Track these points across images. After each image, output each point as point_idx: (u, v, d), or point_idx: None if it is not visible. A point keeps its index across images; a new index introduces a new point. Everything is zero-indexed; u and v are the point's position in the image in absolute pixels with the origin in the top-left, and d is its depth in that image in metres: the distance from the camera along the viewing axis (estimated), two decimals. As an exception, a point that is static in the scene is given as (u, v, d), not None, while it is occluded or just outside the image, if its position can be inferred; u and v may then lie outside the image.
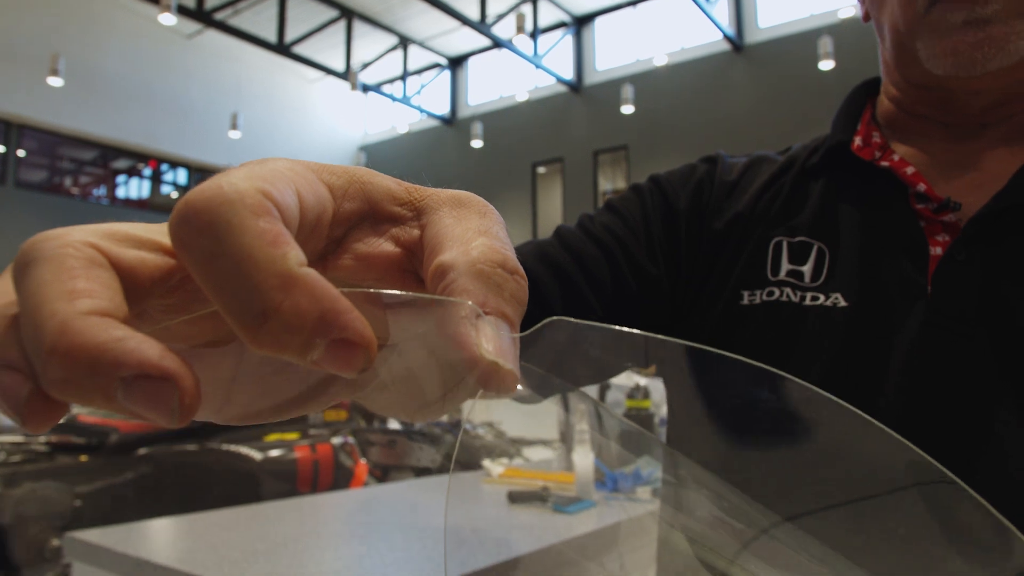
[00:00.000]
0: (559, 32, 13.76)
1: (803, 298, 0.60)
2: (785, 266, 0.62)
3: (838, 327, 0.58)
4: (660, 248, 0.68)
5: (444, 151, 15.69)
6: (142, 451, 3.56)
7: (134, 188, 14.43)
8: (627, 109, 11.82)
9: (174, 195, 14.66)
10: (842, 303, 0.59)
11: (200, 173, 14.58)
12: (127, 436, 3.55)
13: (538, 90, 14.27)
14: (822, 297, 0.60)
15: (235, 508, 1.87)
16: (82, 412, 3.77)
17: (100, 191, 13.86)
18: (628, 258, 0.67)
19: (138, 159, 13.90)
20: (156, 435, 3.59)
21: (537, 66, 12.73)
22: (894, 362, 0.56)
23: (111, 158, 13.64)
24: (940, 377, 0.55)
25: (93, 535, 1.65)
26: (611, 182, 13.99)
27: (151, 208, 14.13)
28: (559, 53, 13.68)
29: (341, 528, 1.73)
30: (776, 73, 11.74)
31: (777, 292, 0.62)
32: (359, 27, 13.33)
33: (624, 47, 13.46)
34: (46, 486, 3.08)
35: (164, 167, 14.41)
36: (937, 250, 0.57)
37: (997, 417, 0.52)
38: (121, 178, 14.15)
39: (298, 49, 12.17)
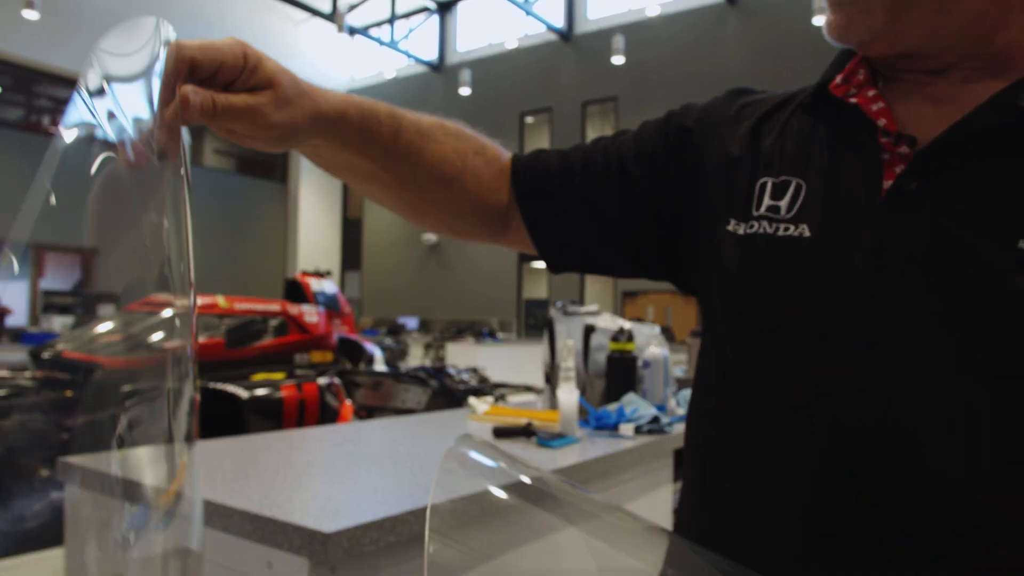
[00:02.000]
0: (551, -22, 13.51)
1: (777, 230, 0.66)
2: (766, 202, 0.68)
3: (803, 257, 0.63)
4: (658, 165, 0.78)
5: (431, 98, 15.47)
6: (127, 387, 3.58)
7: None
8: (618, 60, 11.69)
9: (155, 136, 14.41)
10: (807, 234, 0.64)
11: (182, 114, 14.32)
12: (111, 372, 3.56)
13: (528, 38, 14.05)
14: (792, 228, 0.65)
15: (227, 438, 1.90)
16: (67, 348, 3.77)
17: (79, 130, 13.60)
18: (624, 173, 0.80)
19: (118, 98, 13.61)
20: (141, 372, 3.60)
21: (527, 13, 12.52)
22: (846, 292, 0.60)
23: (90, 96, 13.35)
24: (882, 307, 0.58)
25: (85, 459, 1.67)
26: (600, 133, 13.82)
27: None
28: (550, 0, 13.44)
29: (331, 457, 1.77)
30: (769, 26, 11.62)
31: (756, 225, 0.67)
32: (346, -33, 13.01)
33: (616, -5, 13.25)
34: (34, 419, 3.10)
35: (145, 107, 14.13)
36: (889, 182, 0.61)
37: (931, 349, 0.56)
38: (101, 117, 13.89)
39: (283, -12, 11.88)
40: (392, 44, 14.20)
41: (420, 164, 0.79)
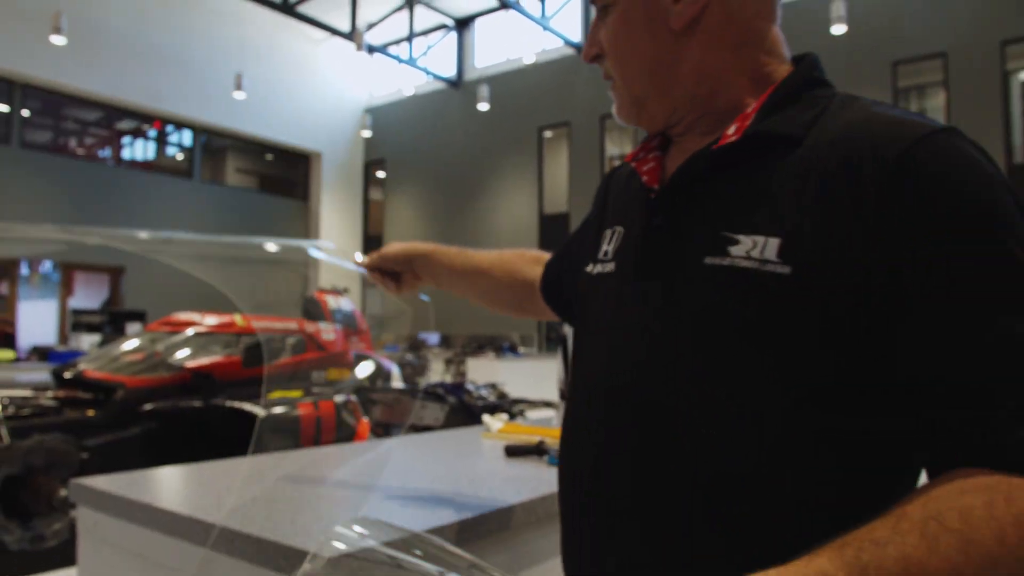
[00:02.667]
0: (567, -7, 13.54)
1: (604, 268, 0.85)
2: (603, 247, 0.87)
3: (606, 287, 0.83)
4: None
5: (450, 114, 15.56)
6: (148, 406, 3.60)
7: (139, 149, 14.39)
8: (635, 72, 11.66)
9: (179, 157, 14.62)
10: (612, 269, 0.83)
11: (206, 134, 14.52)
12: (133, 391, 3.60)
13: (545, 53, 14.09)
14: (609, 266, 0.84)
15: (239, 458, 1.90)
16: (89, 367, 3.81)
17: (105, 152, 13.82)
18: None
19: (142, 120, 13.83)
20: (162, 390, 3.64)
21: (544, 28, 12.56)
22: (616, 311, 0.79)
23: (116, 119, 13.58)
24: (635, 315, 0.76)
25: (98, 481, 1.67)
26: (618, 146, 13.87)
27: (156, 170, 14.10)
28: (568, 15, 13.48)
29: (344, 476, 1.76)
30: (788, 36, 11.41)
31: (593, 266, 0.87)
32: (365, -14, 13.15)
33: (633, 9, 13.25)
34: (54, 438, 3.13)
35: (169, 128, 14.34)
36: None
37: (659, 344, 0.73)
38: (126, 139, 14.11)
39: (303, 8, 12.03)
40: (411, 61, 14.32)
41: (487, 288, 1.40)
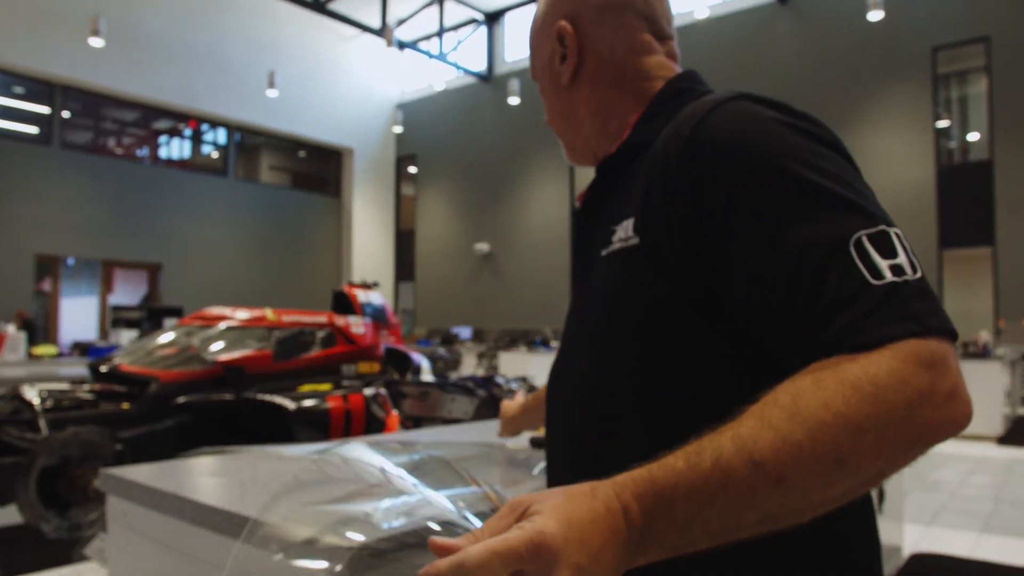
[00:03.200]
0: (597, -15, 13.43)
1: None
2: None
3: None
4: None
5: (481, 109, 15.56)
6: (181, 399, 3.65)
7: (175, 148, 14.64)
8: (666, 63, 11.54)
9: (214, 155, 14.84)
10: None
11: (240, 132, 14.71)
12: (167, 385, 3.65)
13: (576, 45, 14.00)
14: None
15: (264, 447, 1.91)
16: (124, 362, 3.88)
17: (143, 151, 14.09)
18: None
19: (178, 119, 14.06)
20: (194, 384, 3.69)
21: (574, 20, 12.48)
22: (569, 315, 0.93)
23: (152, 118, 13.83)
24: (568, 322, 0.92)
25: (127, 471, 1.70)
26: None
27: (192, 168, 14.33)
28: (597, 6, 13.39)
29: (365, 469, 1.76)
30: (822, 25, 11.34)
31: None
32: (394, -17, 13.20)
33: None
34: (89, 430, 3.19)
35: (204, 127, 14.56)
36: None
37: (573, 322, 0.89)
38: (163, 138, 14.37)
39: (334, 6, 12.12)
40: (441, 56, 14.34)
41: None
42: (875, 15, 9.73)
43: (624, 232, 0.78)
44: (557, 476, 0.88)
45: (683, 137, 0.73)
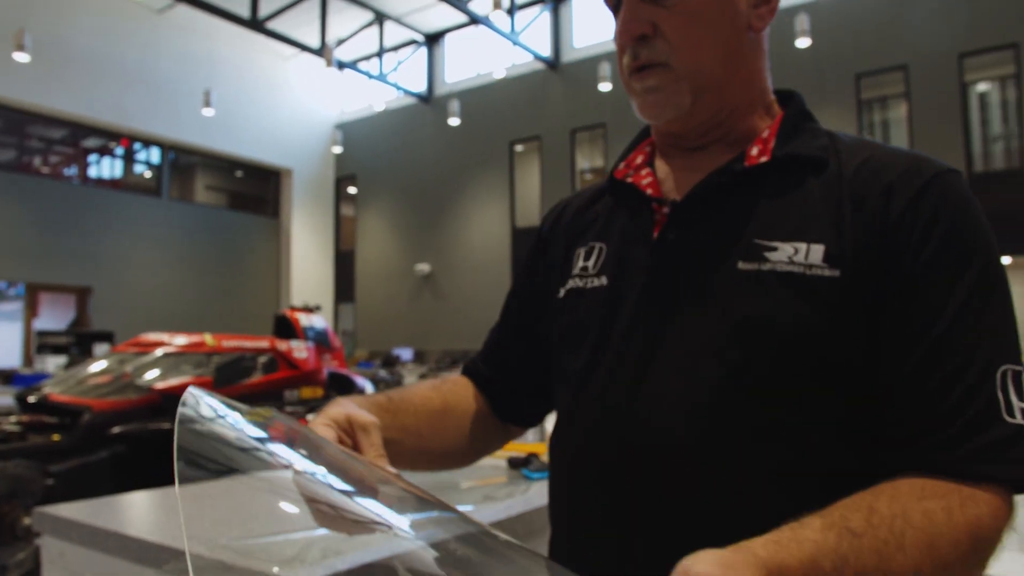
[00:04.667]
0: (536, 8, 13.65)
1: (586, 283, 0.85)
2: (579, 264, 0.87)
3: (601, 302, 0.82)
4: (529, 278, 1.01)
5: (421, 129, 15.57)
6: (116, 429, 3.53)
7: (106, 167, 14.19)
8: (605, 87, 11.79)
9: (147, 175, 14.44)
10: (605, 282, 0.83)
11: (174, 151, 14.36)
12: (100, 415, 3.53)
13: (515, 67, 14.17)
14: (595, 280, 0.84)
15: (208, 482, 1.86)
16: (54, 391, 3.73)
17: (71, 171, 13.62)
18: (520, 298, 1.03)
19: (110, 138, 13.65)
20: (130, 413, 3.57)
21: (514, 43, 12.65)
22: (621, 324, 0.78)
23: (81, 136, 13.39)
24: (645, 336, 0.76)
25: (63, 509, 1.64)
26: (589, 160, 13.97)
27: (125, 188, 13.90)
28: (536, 30, 13.59)
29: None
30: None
31: (571, 283, 0.87)
32: (334, 3, 13.14)
33: (602, 24, 13.39)
34: (17, 464, 3.05)
35: (137, 146, 14.17)
36: (655, 234, 0.80)
37: (664, 361, 0.74)
38: (92, 157, 13.91)
39: (272, 25, 11.98)
40: (381, 77, 14.31)
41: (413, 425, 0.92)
42: (802, 42, 10.15)
43: (800, 255, 0.71)
44: (605, 533, 0.74)
45: (910, 192, 0.70)
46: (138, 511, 1.69)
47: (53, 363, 9.05)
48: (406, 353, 14.25)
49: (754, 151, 0.79)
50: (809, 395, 0.68)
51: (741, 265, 0.73)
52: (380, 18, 14.04)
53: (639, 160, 0.90)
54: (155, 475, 3.34)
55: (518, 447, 2.13)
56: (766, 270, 0.71)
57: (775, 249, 0.72)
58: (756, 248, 0.73)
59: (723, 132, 0.82)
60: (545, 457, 1.92)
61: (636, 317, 0.77)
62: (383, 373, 11.06)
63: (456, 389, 0.98)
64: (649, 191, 0.84)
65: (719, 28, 0.79)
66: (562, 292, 0.88)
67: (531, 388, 0.97)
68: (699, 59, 0.79)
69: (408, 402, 0.90)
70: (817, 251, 0.70)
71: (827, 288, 0.69)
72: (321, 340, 4.92)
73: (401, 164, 15.78)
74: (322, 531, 1.54)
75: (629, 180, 0.87)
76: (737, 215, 0.77)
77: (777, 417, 0.69)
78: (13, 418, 3.49)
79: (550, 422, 0.97)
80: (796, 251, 0.71)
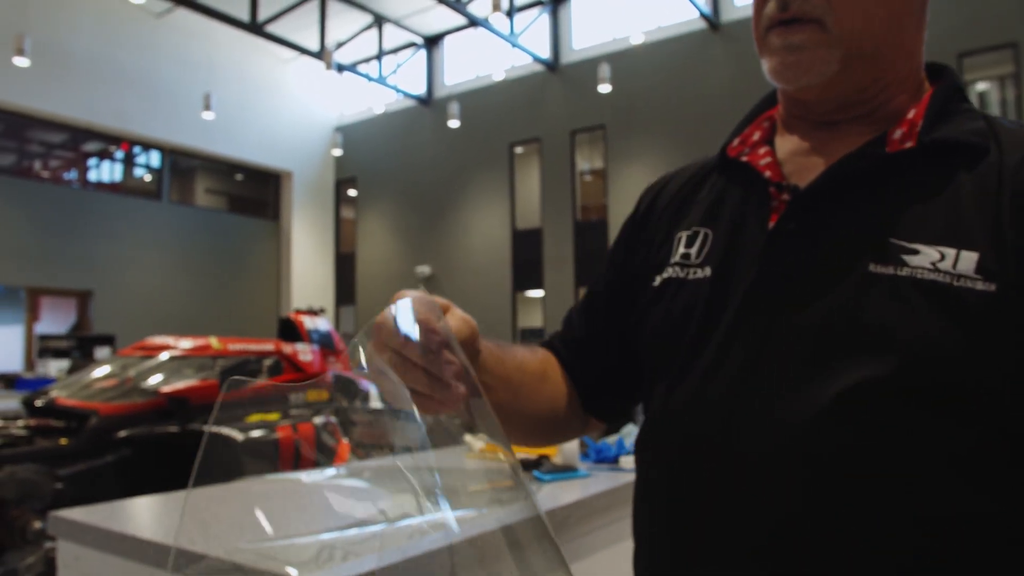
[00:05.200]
0: (535, 10, 13.67)
1: (687, 273, 0.75)
2: (680, 251, 0.78)
3: (703, 296, 0.73)
4: (624, 271, 0.89)
5: (421, 131, 15.58)
6: (122, 433, 3.54)
7: (106, 171, 14.19)
8: (604, 88, 11.81)
9: (147, 178, 14.44)
10: (709, 274, 0.73)
11: (174, 155, 14.37)
12: (107, 419, 3.53)
13: (515, 69, 14.19)
14: (699, 271, 0.74)
15: (223, 485, 1.87)
16: (61, 395, 3.74)
17: (71, 175, 13.61)
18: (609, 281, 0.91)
19: (109, 141, 13.65)
20: (136, 417, 3.57)
21: (514, 45, 12.66)
22: (724, 321, 0.69)
23: (82, 140, 13.39)
24: (752, 336, 0.67)
25: (78, 513, 1.65)
26: (588, 162, 13.98)
27: (124, 191, 13.91)
28: (536, 32, 13.60)
29: (325, 503, 1.75)
30: (752, 51, 11.42)
31: (671, 271, 0.77)
32: (333, 6, 13.15)
33: (601, 26, 13.41)
34: (26, 469, 3.06)
35: (136, 149, 14.17)
36: (772, 224, 0.70)
37: (778, 367, 0.65)
38: (92, 161, 13.91)
39: (271, 28, 11.98)
40: (380, 80, 14.32)
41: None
42: (801, 43, 10.15)
43: (947, 263, 0.60)
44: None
45: None
46: (153, 514, 1.69)
47: (55, 367, 9.05)
48: (407, 355, 14.23)
49: (897, 134, 0.69)
50: (935, 425, 0.59)
51: (873, 268, 0.63)
52: (379, 21, 14.06)
53: (756, 136, 0.79)
54: (162, 477, 3.35)
55: (527, 449, 2.13)
56: (903, 275, 0.61)
57: (916, 252, 0.62)
58: (892, 249, 0.63)
59: (865, 109, 0.72)
60: (556, 459, 1.93)
61: (741, 317, 0.68)
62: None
63: (550, 359, 0.89)
64: (767, 173, 0.74)
65: None
66: (658, 280, 0.79)
67: (622, 385, 0.88)
68: (860, 21, 0.68)
69: (512, 353, 0.82)
70: (969, 259, 0.60)
71: (978, 304, 0.58)
72: (326, 343, 4.93)
73: (401, 166, 15.79)
74: (338, 534, 1.54)
75: (744, 159, 0.77)
76: (872, 209, 0.66)
77: (893, 448, 0.59)
78: (20, 422, 3.50)
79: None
80: (942, 257, 0.61)
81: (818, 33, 0.68)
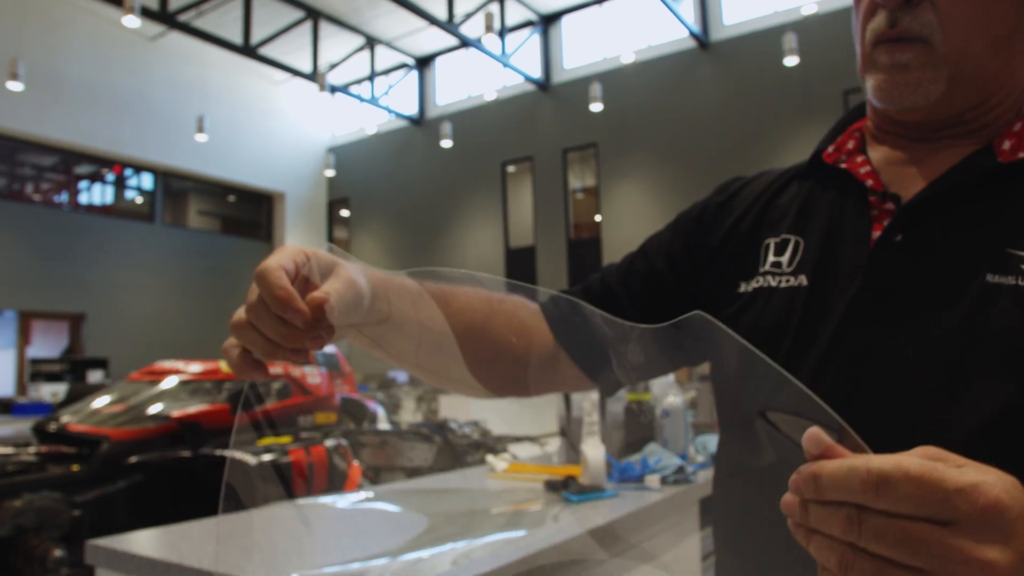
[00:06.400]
0: (526, 31, 13.81)
1: (779, 282, 0.74)
2: (770, 259, 0.76)
3: (799, 304, 0.71)
4: (676, 261, 0.86)
5: (413, 151, 15.64)
6: (133, 459, 3.53)
7: (97, 194, 14.16)
8: (596, 107, 11.93)
9: (139, 200, 14.41)
10: (804, 283, 0.72)
11: (166, 177, 14.36)
12: (118, 444, 3.53)
13: (506, 89, 14.31)
14: (792, 279, 0.73)
15: (254, 510, 1.88)
16: (71, 420, 3.73)
17: (63, 197, 13.57)
18: (654, 274, 0.87)
19: (102, 164, 13.63)
20: (148, 442, 3.57)
21: (505, 65, 12.77)
22: (824, 333, 0.67)
23: (73, 163, 13.37)
24: (857, 349, 0.65)
25: (119, 541, 1.66)
26: (580, 180, 14.08)
27: (116, 214, 13.87)
28: (527, 52, 13.74)
29: (342, 529, 1.76)
30: (741, 69, 11.93)
31: (761, 280, 0.75)
32: (325, 28, 13.24)
33: (591, 45, 13.56)
34: (44, 497, 3.05)
35: (128, 172, 14.15)
36: (877, 233, 0.69)
37: (890, 385, 0.62)
38: (84, 184, 13.88)
39: (264, 50, 12.05)
40: (373, 100, 14.39)
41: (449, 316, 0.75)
42: (791, 60, 10.32)
43: None
44: None
45: None
46: (199, 541, 1.70)
47: (48, 391, 8.98)
48: (401, 376, 14.21)
49: (1006, 145, 0.68)
50: None
51: (991, 278, 0.61)
52: (371, 42, 14.15)
53: (850, 145, 0.78)
54: (176, 502, 3.34)
55: (552, 469, 2.16)
56: None
57: None
58: (1010, 259, 0.61)
59: (967, 129, 0.71)
60: (583, 479, 1.95)
61: (844, 329, 0.66)
62: (380, 396, 11.02)
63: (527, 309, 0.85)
64: (869, 182, 0.72)
65: (1000, 6, 0.66)
66: (744, 287, 0.77)
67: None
68: (969, 42, 0.66)
69: (457, 300, 0.76)
70: None
71: None
72: (332, 364, 4.94)
73: (394, 186, 15.84)
74: (389, 559, 1.56)
75: (843, 166, 0.75)
76: (983, 219, 0.65)
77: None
78: (32, 448, 3.49)
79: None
80: None
81: (925, 53, 0.66)
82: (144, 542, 1.64)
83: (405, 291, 0.70)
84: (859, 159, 0.75)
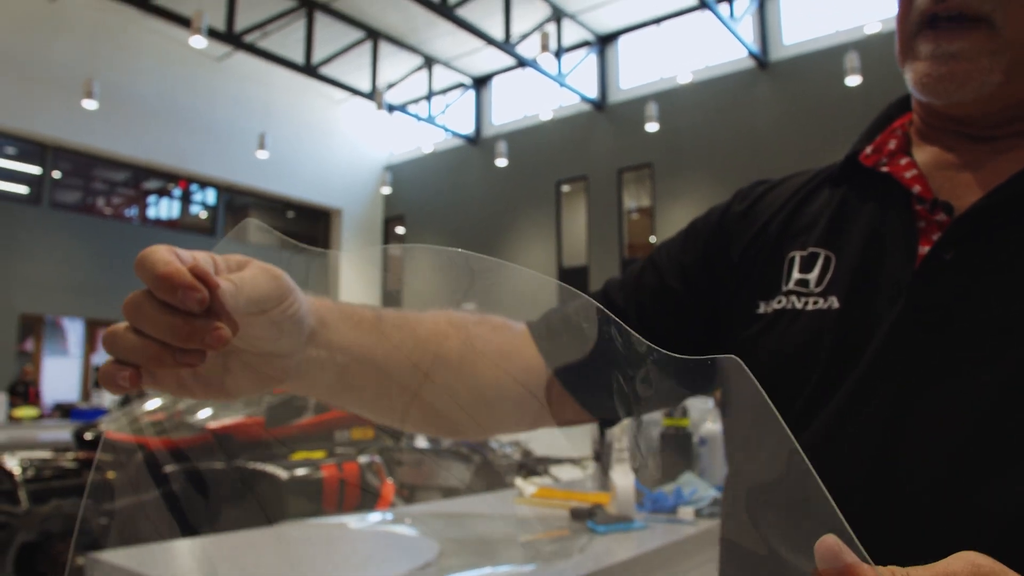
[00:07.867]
0: (583, 51, 13.78)
1: (806, 304, 0.64)
2: (795, 276, 0.66)
3: (830, 330, 0.61)
4: (690, 275, 0.75)
5: (469, 170, 15.73)
6: (167, 468, 3.53)
7: (164, 208, 14.63)
8: (651, 127, 11.78)
9: (203, 215, 14.83)
10: (836, 305, 0.62)
11: (229, 193, 14.75)
12: (153, 453, 3.54)
13: (562, 109, 14.28)
14: (821, 301, 0.63)
15: (260, 529, 1.82)
16: (110, 428, 3.76)
17: (132, 211, 14.06)
18: (664, 289, 0.76)
19: (168, 179, 14.09)
20: (182, 452, 3.57)
21: (561, 84, 12.75)
22: (859, 366, 0.57)
23: (142, 178, 13.85)
24: (897, 390, 0.55)
25: (117, 556, 1.61)
26: (635, 200, 13.91)
27: (181, 228, 14.30)
28: (583, 72, 13.69)
29: (372, 549, 1.68)
30: (801, 89, 11.64)
31: (784, 300, 0.65)
32: (385, 48, 13.46)
33: (648, 65, 13.44)
34: (72, 503, 3.07)
35: (193, 187, 14.59)
36: (925, 249, 0.59)
37: (949, 422, 0.52)
38: (152, 198, 14.36)
39: (325, 70, 12.31)
40: (430, 119, 14.55)
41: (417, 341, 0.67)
42: (853, 80, 10.01)
43: None
44: None
45: None
46: (195, 560, 1.64)
47: (109, 397, 9.24)
48: (452, 393, 14.21)
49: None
50: None
51: None
52: (429, 62, 14.33)
53: (892, 145, 0.67)
54: (207, 515, 3.32)
55: (580, 496, 2.04)
56: None
57: None
58: None
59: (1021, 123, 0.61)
60: (611, 508, 1.83)
61: (885, 359, 0.56)
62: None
63: (515, 331, 0.75)
64: (916, 188, 0.61)
65: None
66: (763, 308, 0.67)
67: None
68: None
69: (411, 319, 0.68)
70: None
71: None
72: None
73: (449, 204, 15.94)
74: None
75: (884, 169, 0.65)
76: None
77: None
78: (71, 455, 3.53)
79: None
80: None
81: (986, 37, 0.57)
82: (142, 557, 1.59)
83: (353, 316, 0.61)
84: (903, 161, 0.65)
